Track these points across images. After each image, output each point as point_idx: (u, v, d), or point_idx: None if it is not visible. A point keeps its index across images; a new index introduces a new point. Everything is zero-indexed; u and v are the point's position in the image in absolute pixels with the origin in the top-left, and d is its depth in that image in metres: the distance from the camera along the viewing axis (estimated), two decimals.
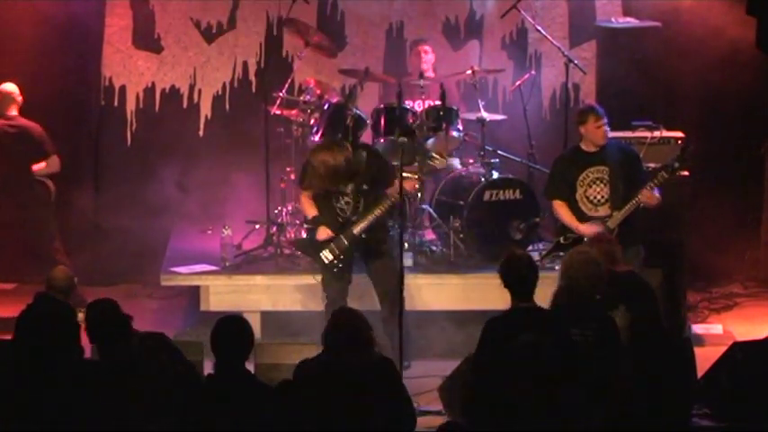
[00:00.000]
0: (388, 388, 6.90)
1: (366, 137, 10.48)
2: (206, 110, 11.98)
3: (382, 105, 10.53)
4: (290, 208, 10.85)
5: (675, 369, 7.88)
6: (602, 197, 9.50)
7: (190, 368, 7.23)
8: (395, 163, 9.45)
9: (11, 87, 10.80)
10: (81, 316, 7.15)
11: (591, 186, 9.52)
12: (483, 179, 10.39)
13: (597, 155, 9.51)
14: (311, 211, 9.59)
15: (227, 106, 11.99)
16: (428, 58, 11.17)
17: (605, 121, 9.47)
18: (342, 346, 6.80)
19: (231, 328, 6.71)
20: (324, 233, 9.48)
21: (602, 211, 9.48)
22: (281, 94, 10.75)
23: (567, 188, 9.56)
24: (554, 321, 7.51)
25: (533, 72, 11.30)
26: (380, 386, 6.84)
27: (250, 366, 6.89)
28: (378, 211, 9.42)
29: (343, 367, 6.78)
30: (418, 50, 11.21)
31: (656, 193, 9.36)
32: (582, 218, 9.50)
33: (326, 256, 9.46)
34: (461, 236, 10.33)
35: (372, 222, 9.44)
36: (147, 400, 6.77)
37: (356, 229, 9.44)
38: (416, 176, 9.62)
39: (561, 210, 9.58)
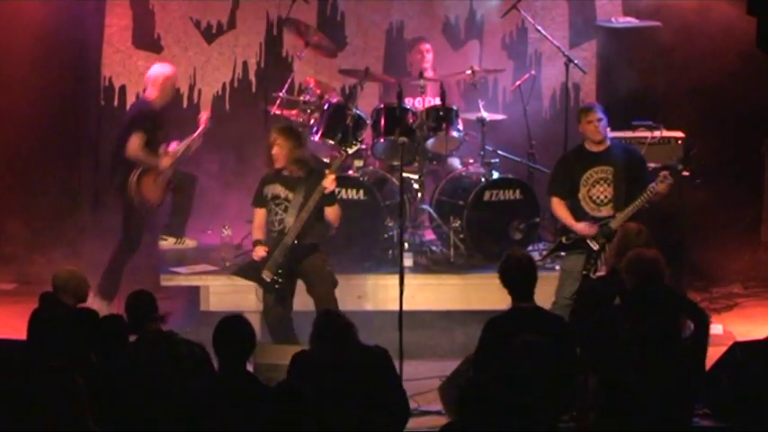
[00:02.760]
0: (381, 378, 6.95)
1: (366, 137, 10.49)
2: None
3: (382, 105, 10.52)
4: None
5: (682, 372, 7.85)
6: (606, 197, 9.48)
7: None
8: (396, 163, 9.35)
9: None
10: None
11: (594, 186, 9.51)
12: (483, 179, 10.38)
13: (602, 155, 9.49)
14: (259, 233, 9.43)
15: (227, 106, 11.99)
16: (429, 56, 11.16)
17: (598, 116, 9.44)
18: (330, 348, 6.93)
19: (232, 329, 6.73)
20: (261, 251, 9.32)
21: (605, 211, 9.47)
22: (281, 94, 10.75)
23: (570, 186, 9.54)
24: (554, 321, 7.52)
25: (533, 72, 11.29)
26: (374, 376, 6.89)
27: (250, 366, 6.90)
28: (304, 215, 9.23)
29: (338, 359, 6.83)
30: (419, 48, 11.19)
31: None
32: (584, 217, 9.48)
33: (267, 275, 9.30)
34: (461, 236, 10.33)
35: (300, 228, 9.23)
36: (148, 401, 6.79)
37: (288, 240, 9.24)
38: (334, 174, 9.29)
39: (559, 207, 9.56)
